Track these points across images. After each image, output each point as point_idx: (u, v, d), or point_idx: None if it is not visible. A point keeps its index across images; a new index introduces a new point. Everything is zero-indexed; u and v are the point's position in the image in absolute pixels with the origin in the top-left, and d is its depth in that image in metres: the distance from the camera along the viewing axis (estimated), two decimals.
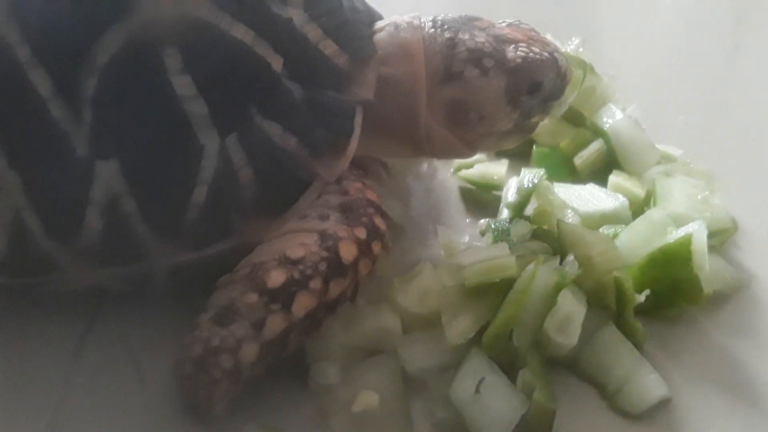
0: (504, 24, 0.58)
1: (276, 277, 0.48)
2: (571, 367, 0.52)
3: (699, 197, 0.60)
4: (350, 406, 0.48)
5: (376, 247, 0.52)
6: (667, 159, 0.67)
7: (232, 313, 0.47)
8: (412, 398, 0.50)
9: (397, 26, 0.57)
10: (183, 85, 0.47)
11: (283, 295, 0.48)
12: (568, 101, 0.60)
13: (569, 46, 0.73)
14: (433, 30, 0.57)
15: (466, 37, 0.56)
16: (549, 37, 0.61)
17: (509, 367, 0.49)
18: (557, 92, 0.58)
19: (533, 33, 0.58)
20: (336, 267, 0.49)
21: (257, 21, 0.50)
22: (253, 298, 0.48)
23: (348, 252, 0.50)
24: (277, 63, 0.51)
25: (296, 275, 0.48)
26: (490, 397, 0.48)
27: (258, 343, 0.47)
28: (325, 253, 0.49)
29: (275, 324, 0.47)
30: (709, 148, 0.72)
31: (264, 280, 0.48)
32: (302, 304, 0.48)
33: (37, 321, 0.54)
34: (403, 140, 0.58)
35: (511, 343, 0.49)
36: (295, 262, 0.49)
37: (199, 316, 0.49)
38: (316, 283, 0.48)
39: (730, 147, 0.73)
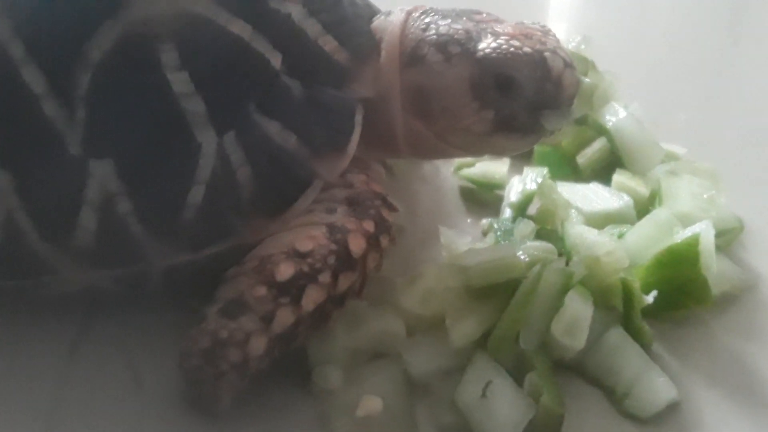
0: (512, 23, 0.54)
1: (285, 270, 0.47)
2: (578, 370, 0.51)
3: (705, 196, 0.60)
4: (353, 410, 0.47)
5: (384, 240, 0.51)
6: (670, 157, 0.66)
7: (241, 305, 0.47)
8: (417, 402, 0.49)
9: (389, 13, 0.56)
10: (179, 81, 0.47)
11: (293, 289, 0.47)
12: (571, 114, 0.52)
13: (571, 44, 0.73)
14: (416, 14, 0.55)
15: (444, 22, 0.53)
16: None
17: (516, 371, 0.49)
18: (548, 98, 0.51)
19: (534, 32, 0.53)
20: (345, 260, 0.49)
21: (255, 16, 0.49)
22: (261, 291, 0.47)
23: (357, 245, 0.49)
24: (275, 59, 0.50)
25: (305, 268, 0.48)
26: (497, 402, 0.47)
27: (266, 337, 0.46)
28: (334, 246, 0.49)
29: (284, 318, 0.47)
30: (712, 146, 0.71)
31: (273, 273, 0.47)
32: (311, 297, 0.47)
33: (30, 323, 0.54)
34: (382, 134, 0.56)
35: (517, 345, 0.49)
36: (304, 255, 0.48)
37: (207, 308, 0.48)
38: (325, 277, 0.48)
39: (734, 145, 0.73)
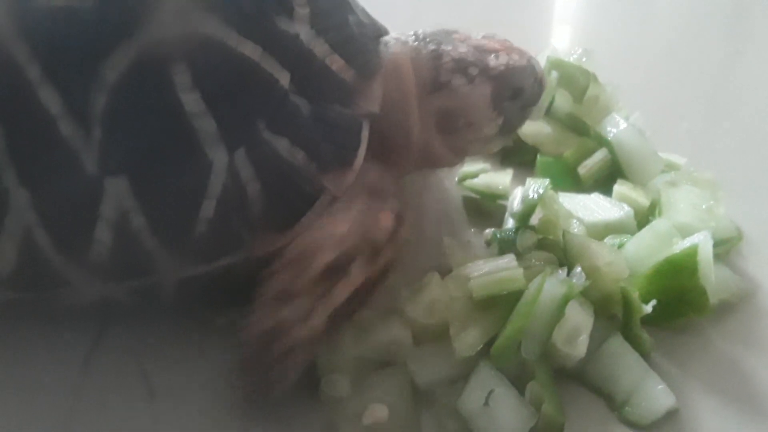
0: (480, 36, 0.60)
1: (327, 255, 0.49)
2: (578, 378, 0.52)
3: (704, 207, 0.60)
4: (360, 418, 0.48)
5: (404, 231, 0.54)
6: (671, 167, 0.67)
7: (292, 293, 0.49)
8: (422, 410, 0.50)
9: (386, 43, 0.59)
10: (191, 101, 0.47)
11: (338, 271, 0.49)
12: (544, 107, 0.66)
13: (572, 56, 0.73)
14: (416, 43, 0.59)
15: (449, 48, 0.58)
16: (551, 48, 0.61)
17: (518, 379, 0.50)
18: (535, 98, 0.61)
19: (508, 43, 0.60)
20: (379, 236, 0.51)
21: (264, 37, 0.50)
22: (310, 276, 0.49)
23: (387, 220, 0.52)
24: (284, 78, 0.51)
25: (346, 249, 0.50)
26: (499, 410, 0.48)
27: (326, 311, 0.48)
28: (368, 222, 0.51)
29: (340, 291, 0.49)
30: (712, 155, 0.72)
31: (316, 259, 0.49)
32: (359, 272, 0.50)
33: (45, 335, 0.55)
34: (396, 153, 0.58)
35: (519, 355, 0.49)
36: (342, 238, 0.50)
37: (255, 302, 0.49)
38: (365, 253, 0.50)
39: (734, 154, 0.73)
